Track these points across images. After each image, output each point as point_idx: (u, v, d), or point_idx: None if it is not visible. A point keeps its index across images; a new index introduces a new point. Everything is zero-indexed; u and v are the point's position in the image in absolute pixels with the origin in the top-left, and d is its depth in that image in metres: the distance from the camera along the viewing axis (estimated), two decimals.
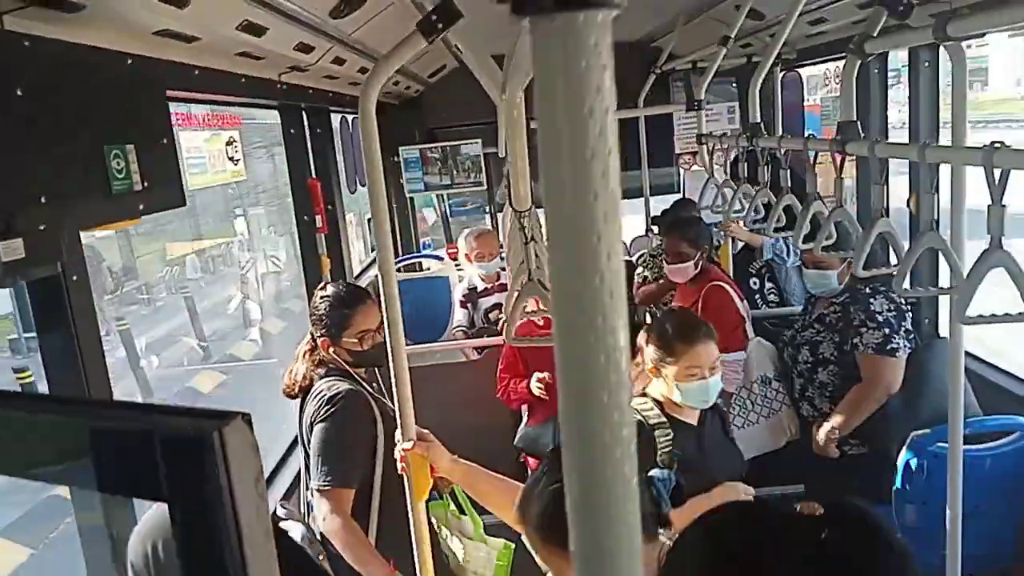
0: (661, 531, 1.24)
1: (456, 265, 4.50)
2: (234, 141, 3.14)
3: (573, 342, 0.36)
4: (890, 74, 3.47)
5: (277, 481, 2.78)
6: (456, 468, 1.63)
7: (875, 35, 1.73)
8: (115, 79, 1.44)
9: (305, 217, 3.33)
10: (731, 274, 3.59)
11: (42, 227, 1.19)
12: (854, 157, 1.92)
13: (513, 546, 1.84)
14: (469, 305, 4.11)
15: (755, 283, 3.88)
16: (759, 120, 2.64)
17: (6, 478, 0.37)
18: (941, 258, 1.67)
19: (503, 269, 3.78)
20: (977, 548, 2.57)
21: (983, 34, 1.47)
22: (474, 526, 1.81)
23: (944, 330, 2.98)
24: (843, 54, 1.89)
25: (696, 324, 2.16)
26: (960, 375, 2.00)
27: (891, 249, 1.83)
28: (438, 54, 4.00)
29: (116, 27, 1.44)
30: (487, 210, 5.64)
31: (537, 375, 3.01)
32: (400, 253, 5.23)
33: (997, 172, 1.32)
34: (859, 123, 1.91)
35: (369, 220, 5.20)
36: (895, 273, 1.71)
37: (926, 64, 2.87)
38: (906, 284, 1.71)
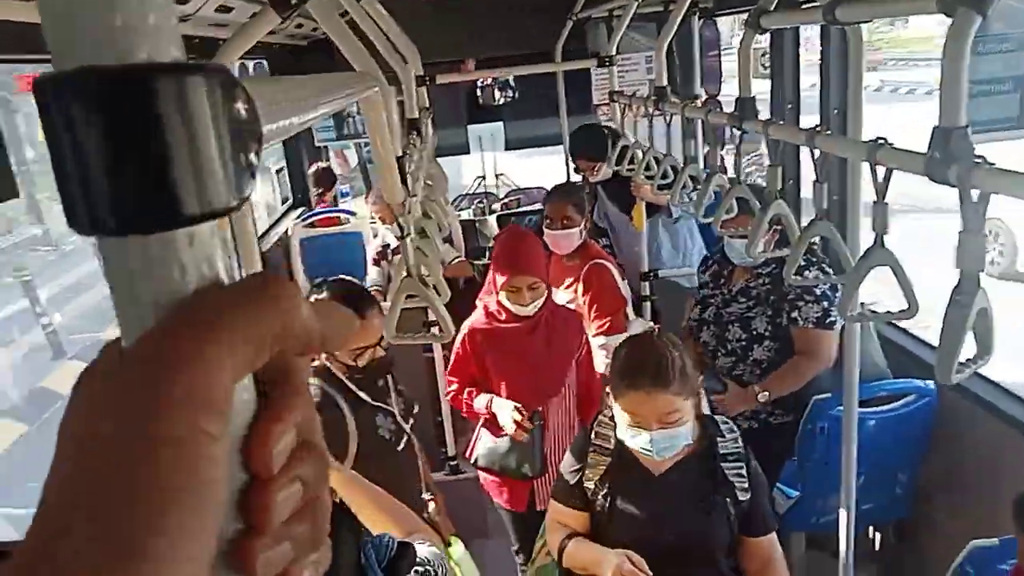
0: None
1: (371, 220, 4.36)
2: None
3: None
4: None
5: None
6: (334, 475, 1.56)
7: (771, 10, 1.66)
8: None
9: None
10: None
11: None
12: None
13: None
14: (383, 263, 4.00)
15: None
16: (665, 84, 2.56)
17: None
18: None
19: None
20: (875, 503, 2.70)
21: (869, 20, 1.42)
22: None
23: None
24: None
25: (645, 367, 1.75)
26: (854, 346, 2.01)
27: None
28: None
29: None
30: None
31: (508, 405, 2.47)
32: (313, 206, 5.04)
33: (881, 169, 1.29)
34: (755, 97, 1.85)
35: (279, 171, 4.97)
36: (787, 258, 1.68)
37: (834, 38, 2.83)
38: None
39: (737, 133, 1.87)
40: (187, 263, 0.28)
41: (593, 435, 1.98)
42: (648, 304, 3.70)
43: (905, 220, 7.73)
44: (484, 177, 6.99)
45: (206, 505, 0.25)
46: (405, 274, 1.44)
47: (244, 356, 0.27)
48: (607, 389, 1.95)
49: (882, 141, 1.28)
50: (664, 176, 2.74)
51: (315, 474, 0.31)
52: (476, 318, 2.66)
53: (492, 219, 5.40)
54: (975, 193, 1.02)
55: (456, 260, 4.04)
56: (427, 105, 3.47)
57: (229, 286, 0.29)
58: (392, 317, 1.49)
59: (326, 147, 5.38)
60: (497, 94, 6.97)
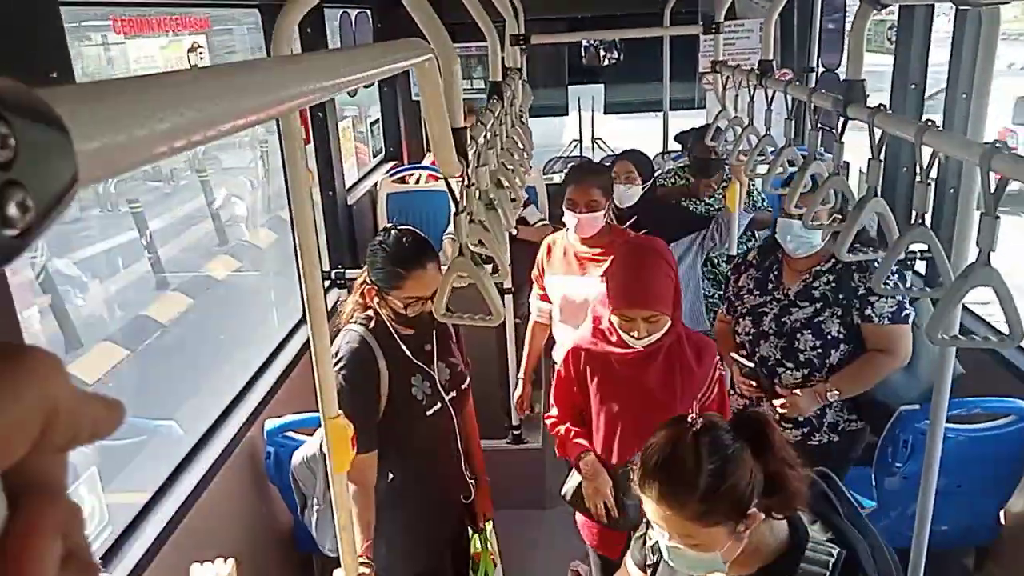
0: None
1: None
2: (199, 47, 2.88)
3: None
4: None
5: None
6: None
7: None
8: None
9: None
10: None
11: None
12: None
13: None
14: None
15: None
16: (770, 57, 2.37)
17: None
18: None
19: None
20: (955, 525, 2.51)
21: (1008, 1, 1.23)
22: None
23: None
24: None
25: (657, 471, 1.34)
26: (948, 360, 1.83)
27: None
28: None
29: None
30: None
31: (599, 480, 2.14)
32: (407, 161, 5.04)
33: (995, 176, 1.12)
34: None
35: (373, 124, 4.98)
36: (879, 263, 1.53)
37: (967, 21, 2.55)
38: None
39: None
40: None
41: None
42: None
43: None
44: (580, 140, 6.83)
45: None
46: (457, 253, 1.38)
47: None
48: None
49: (1000, 145, 1.12)
50: (761, 154, 2.56)
51: None
52: (582, 335, 2.23)
53: None
54: None
55: (540, 223, 3.97)
56: (518, 65, 3.37)
57: None
58: (441, 296, 1.43)
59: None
60: (602, 54, 6.76)
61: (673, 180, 3.95)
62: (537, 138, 5.11)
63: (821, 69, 4.96)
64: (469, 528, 2.45)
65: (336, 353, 2.05)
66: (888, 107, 1.56)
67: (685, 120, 5.99)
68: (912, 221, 1.42)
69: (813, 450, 2.50)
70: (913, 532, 1.98)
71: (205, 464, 2.29)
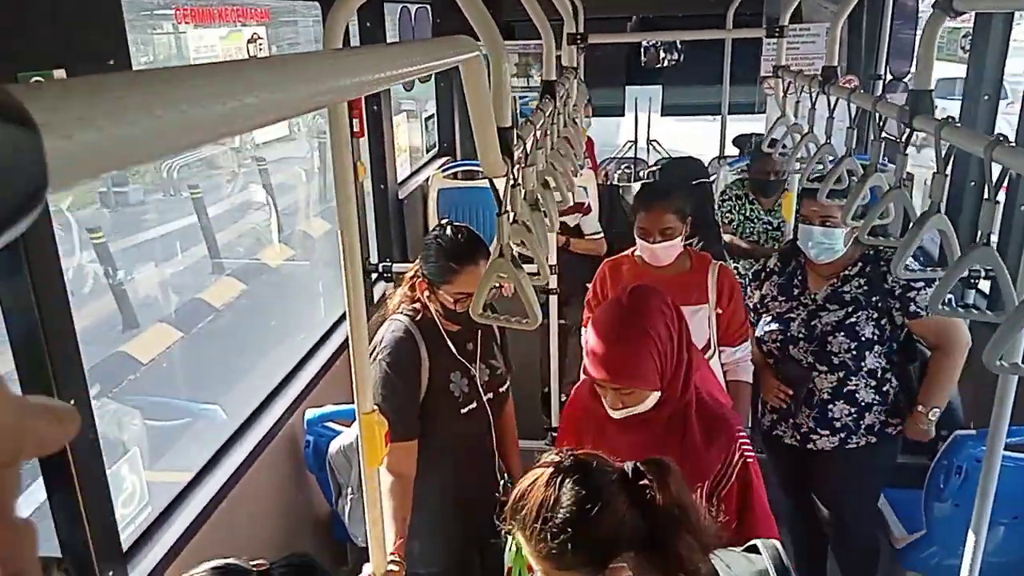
0: None
1: None
2: (259, 38, 2.92)
3: None
4: None
5: None
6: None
7: None
8: None
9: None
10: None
11: None
12: None
13: None
14: None
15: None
16: (835, 63, 2.29)
17: None
18: None
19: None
20: (1010, 559, 2.40)
21: None
22: None
23: None
24: None
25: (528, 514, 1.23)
26: (1009, 384, 1.74)
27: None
28: None
29: None
30: None
31: None
32: (460, 156, 5.04)
33: None
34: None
35: (428, 119, 4.99)
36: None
37: None
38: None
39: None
40: None
41: None
42: None
43: None
44: (635, 141, 6.75)
45: None
46: (497, 254, 1.36)
47: None
48: None
49: None
50: (820, 163, 2.49)
51: None
52: (579, 388, 1.98)
53: (636, 186, 5.21)
54: None
55: (596, 235, 3.90)
56: (574, 64, 3.33)
57: None
58: (480, 296, 1.42)
59: None
60: (662, 55, 6.67)
61: (732, 200, 3.84)
62: (592, 137, 5.08)
63: (889, 77, 4.81)
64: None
65: (380, 341, 2.07)
66: (958, 119, 1.50)
67: (744, 125, 5.88)
68: (976, 240, 1.36)
69: (851, 453, 2.48)
70: (961, 562, 1.90)
71: (246, 449, 2.33)
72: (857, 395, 2.45)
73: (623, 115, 6.57)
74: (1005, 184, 1.33)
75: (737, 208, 3.80)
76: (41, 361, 1.46)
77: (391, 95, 3.73)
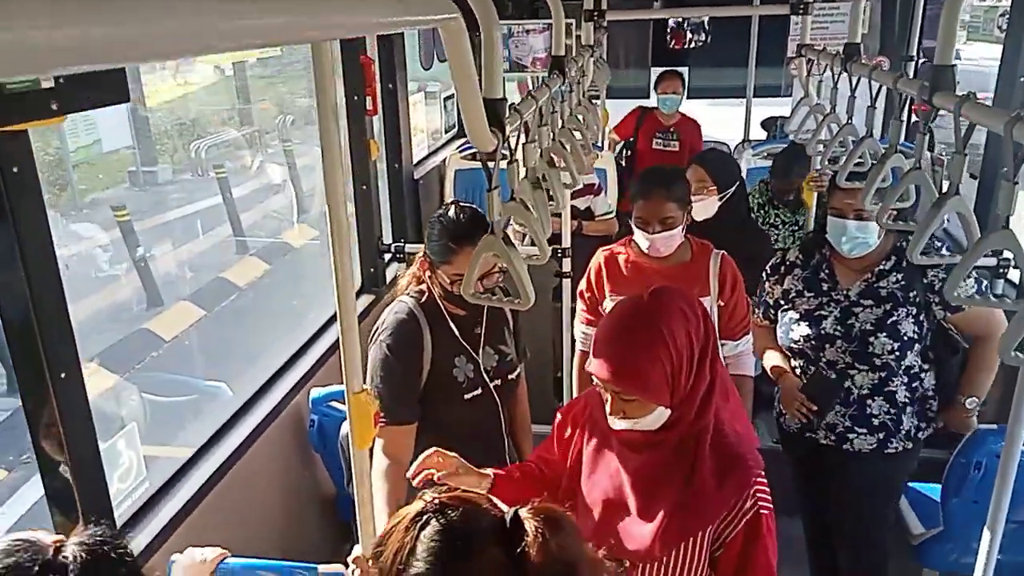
0: None
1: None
2: None
3: None
4: None
5: None
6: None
7: None
8: None
9: (355, 97, 3.14)
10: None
11: None
12: None
13: None
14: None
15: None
16: (858, 41, 2.20)
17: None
18: None
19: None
20: (1023, 556, 2.32)
21: None
22: None
23: None
24: None
25: None
26: None
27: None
28: None
29: None
30: None
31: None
32: None
33: None
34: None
35: (447, 98, 4.94)
36: (954, 272, 1.38)
37: None
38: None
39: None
40: None
41: None
42: None
43: None
44: None
45: None
46: (490, 232, 1.32)
47: None
48: None
49: None
50: (842, 145, 2.40)
51: None
52: (590, 392, 1.68)
53: None
54: None
55: (606, 215, 3.84)
56: (591, 43, 3.26)
57: None
58: (470, 275, 1.38)
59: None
60: (689, 36, 6.54)
61: (755, 208, 3.71)
62: (615, 120, 4.99)
63: (923, 59, 4.66)
64: None
65: (382, 321, 2.03)
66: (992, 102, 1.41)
67: (771, 109, 5.74)
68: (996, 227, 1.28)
69: (890, 458, 2.35)
70: (976, 560, 1.83)
71: (249, 427, 2.32)
72: (896, 395, 2.31)
73: (648, 97, 6.44)
74: None
75: (762, 217, 3.67)
76: (32, 336, 1.45)
77: (407, 73, 3.68)
